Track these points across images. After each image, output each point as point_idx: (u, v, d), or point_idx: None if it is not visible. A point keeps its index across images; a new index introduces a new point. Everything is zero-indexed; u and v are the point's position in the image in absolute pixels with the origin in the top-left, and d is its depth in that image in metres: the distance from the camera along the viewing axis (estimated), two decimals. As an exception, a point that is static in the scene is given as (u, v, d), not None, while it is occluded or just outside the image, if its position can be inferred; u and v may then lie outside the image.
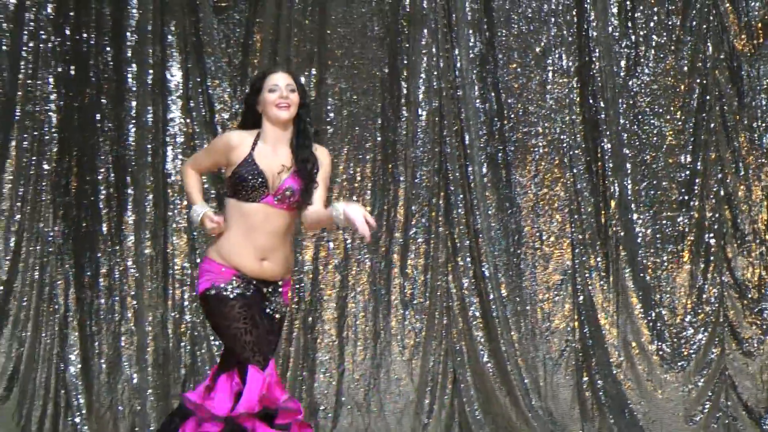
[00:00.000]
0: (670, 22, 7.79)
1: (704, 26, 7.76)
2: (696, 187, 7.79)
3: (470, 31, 7.82)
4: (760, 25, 7.73)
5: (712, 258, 7.78)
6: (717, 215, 7.77)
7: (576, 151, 7.81)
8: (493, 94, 7.84)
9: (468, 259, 7.78)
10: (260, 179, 5.15)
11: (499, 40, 7.84)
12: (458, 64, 7.80)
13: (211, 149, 5.38)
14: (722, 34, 7.76)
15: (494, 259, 7.77)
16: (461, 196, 7.80)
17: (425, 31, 7.82)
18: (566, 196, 7.82)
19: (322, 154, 5.31)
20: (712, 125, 7.76)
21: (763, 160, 7.75)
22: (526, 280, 7.81)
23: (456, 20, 7.80)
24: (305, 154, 5.20)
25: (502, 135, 7.84)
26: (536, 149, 7.85)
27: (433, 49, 7.83)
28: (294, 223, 5.30)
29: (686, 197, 7.80)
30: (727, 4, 7.75)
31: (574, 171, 7.80)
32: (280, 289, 5.32)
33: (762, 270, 7.71)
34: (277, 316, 5.31)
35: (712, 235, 7.77)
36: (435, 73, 7.83)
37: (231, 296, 5.18)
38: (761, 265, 7.72)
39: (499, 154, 7.85)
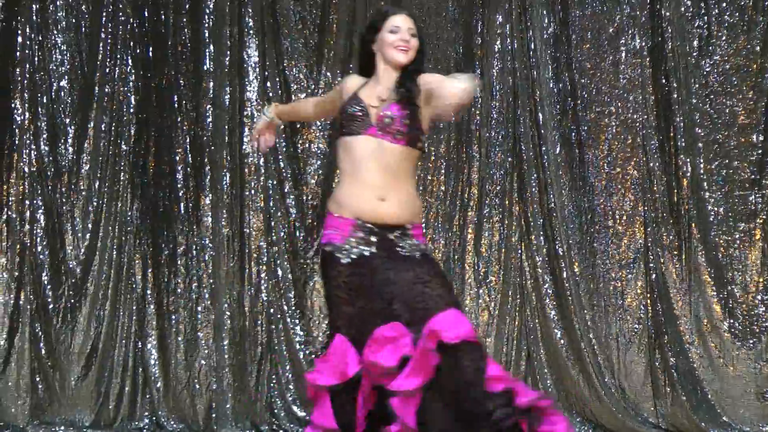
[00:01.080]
0: (742, 2, 7.82)
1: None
2: (768, 166, 7.86)
3: (544, 12, 7.88)
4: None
5: (784, 236, 7.84)
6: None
7: (648, 131, 7.86)
8: (566, 74, 7.90)
9: (541, 238, 7.85)
10: (359, 107, 5.00)
11: (572, 21, 7.89)
12: (532, 45, 7.86)
13: (332, 91, 5.33)
14: (770, 1, 7.80)
15: (567, 238, 7.83)
16: (535, 175, 7.86)
17: (499, 12, 7.89)
18: (639, 175, 7.87)
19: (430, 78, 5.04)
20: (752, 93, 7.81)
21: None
22: (599, 259, 7.87)
23: (530, 1, 7.86)
24: (405, 84, 5.00)
25: (576, 115, 7.90)
26: (609, 129, 7.91)
27: (507, 30, 7.89)
28: (410, 161, 5.02)
29: (758, 176, 7.84)
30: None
31: (647, 150, 7.85)
32: (410, 232, 5.01)
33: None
34: (417, 254, 4.97)
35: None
36: (509, 53, 7.89)
37: (343, 261, 4.94)
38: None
39: (573, 134, 7.90)
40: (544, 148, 7.84)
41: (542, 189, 7.84)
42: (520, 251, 7.90)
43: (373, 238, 4.95)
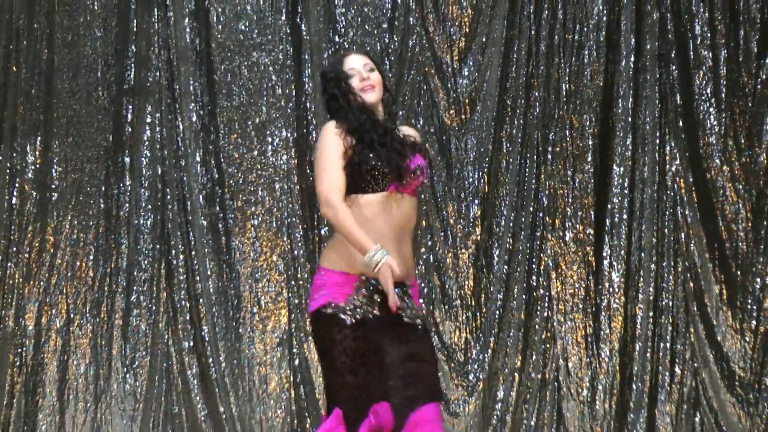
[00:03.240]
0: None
1: (416, 101, 8.12)
2: (407, 254, 8.10)
3: (193, 104, 8.05)
4: (467, 100, 8.13)
5: (420, 322, 8.08)
6: (426, 281, 8.09)
7: (293, 219, 8.06)
8: (214, 162, 8.08)
9: (188, 324, 7.97)
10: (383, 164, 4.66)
11: (220, 111, 8.09)
12: (181, 134, 8.02)
13: (333, 150, 4.67)
14: (432, 108, 8.14)
15: (214, 324, 7.96)
16: (183, 261, 7.99)
17: (149, 102, 8.04)
18: (284, 262, 8.06)
19: (413, 132, 4.88)
20: (423, 195, 8.09)
21: (470, 229, 8.12)
22: (244, 344, 8.02)
23: (180, 92, 8.03)
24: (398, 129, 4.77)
25: (224, 203, 8.08)
26: (255, 216, 8.10)
27: (157, 119, 8.04)
28: (416, 213, 4.80)
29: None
30: (437, 81, 8.13)
31: (292, 238, 8.06)
32: (410, 291, 4.71)
33: (468, 334, 8.05)
34: (419, 323, 4.66)
35: (422, 300, 8.08)
36: (159, 142, 8.04)
37: (348, 322, 4.59)
38: (467, 329, 8.06)
39: (220, 222, 8.07)
40: (191, 235, 7.98)
41: (190, 275, 7.98)
42: (167, 337, 8.00)
43: (377, 298, 4.64)
